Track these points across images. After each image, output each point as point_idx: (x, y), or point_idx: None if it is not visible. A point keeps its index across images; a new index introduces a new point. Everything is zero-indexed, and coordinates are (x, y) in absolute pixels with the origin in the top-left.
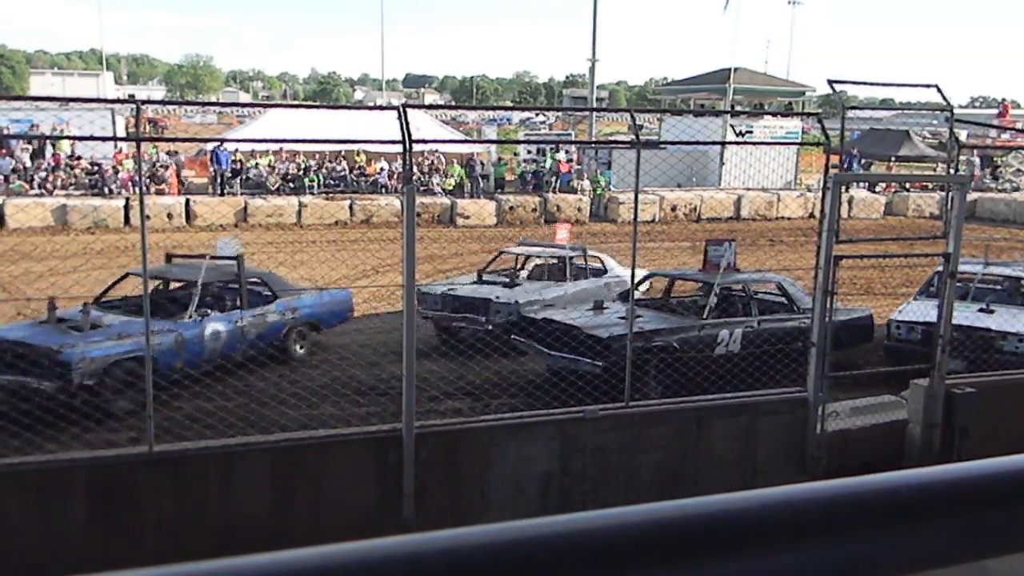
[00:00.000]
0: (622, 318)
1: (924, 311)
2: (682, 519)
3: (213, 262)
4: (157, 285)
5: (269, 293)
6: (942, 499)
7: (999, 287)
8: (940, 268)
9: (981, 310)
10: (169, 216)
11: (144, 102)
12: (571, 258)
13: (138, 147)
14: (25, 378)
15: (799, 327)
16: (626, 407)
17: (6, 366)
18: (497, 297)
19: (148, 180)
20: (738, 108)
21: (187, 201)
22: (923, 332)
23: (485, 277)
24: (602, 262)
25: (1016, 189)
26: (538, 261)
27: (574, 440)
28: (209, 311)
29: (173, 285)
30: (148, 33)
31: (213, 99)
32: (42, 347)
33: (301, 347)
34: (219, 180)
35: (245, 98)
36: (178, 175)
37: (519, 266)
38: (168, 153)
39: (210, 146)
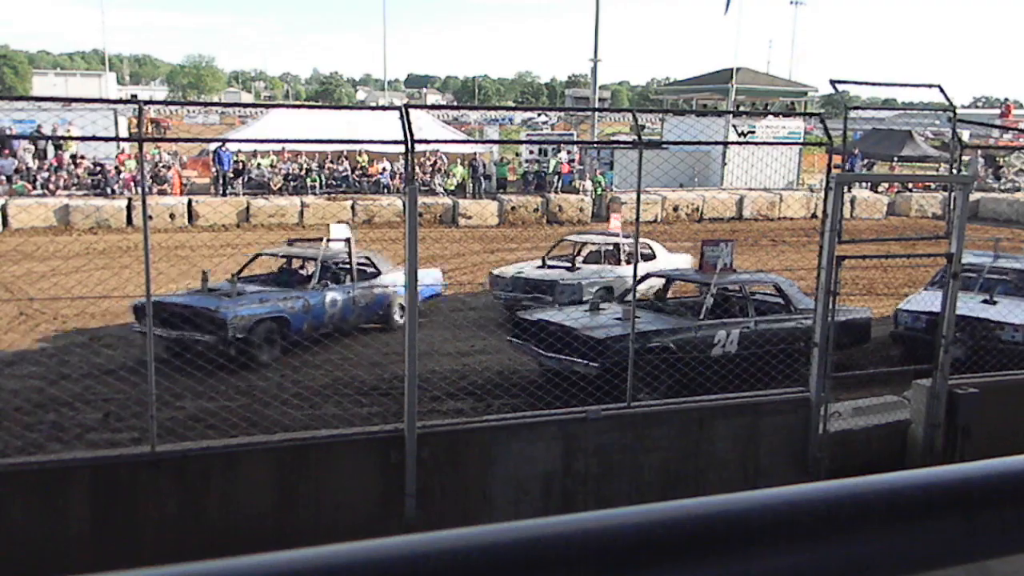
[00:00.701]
0: (618, 319)
1: (930, 301)
2: (685, 519)
3: (329, 243)
4: (282, 264)
5: (374, 270)
6: (944, 500)
7: (1006, 279)
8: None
9: (984, 301)
10: (171, 216)
11: (146, 102)
12: (623, 245)
13: (140, 147)
14: (191, 333)
15: (797, 327)
16: (628, 407)
17: (176, 324)
18: (562, 279)
19: (150, 180)
20: (741, 108)
21: (189, 201)
22: (927, 321)
23: (549, 262)
24: (651, 248)
25: (1018, 189)
26: (592, 248)
27: (576, 440)
28: (328, 283)
29: (295, 263)
30: (150, 33)
31: (215, 99)
32: (203, 308)
33: (401, 316)
34: (221, 180)
35: (247, 98)
36: (180, 175)
37: (576, 252)
38: (171, 153)
39: (212, 146)
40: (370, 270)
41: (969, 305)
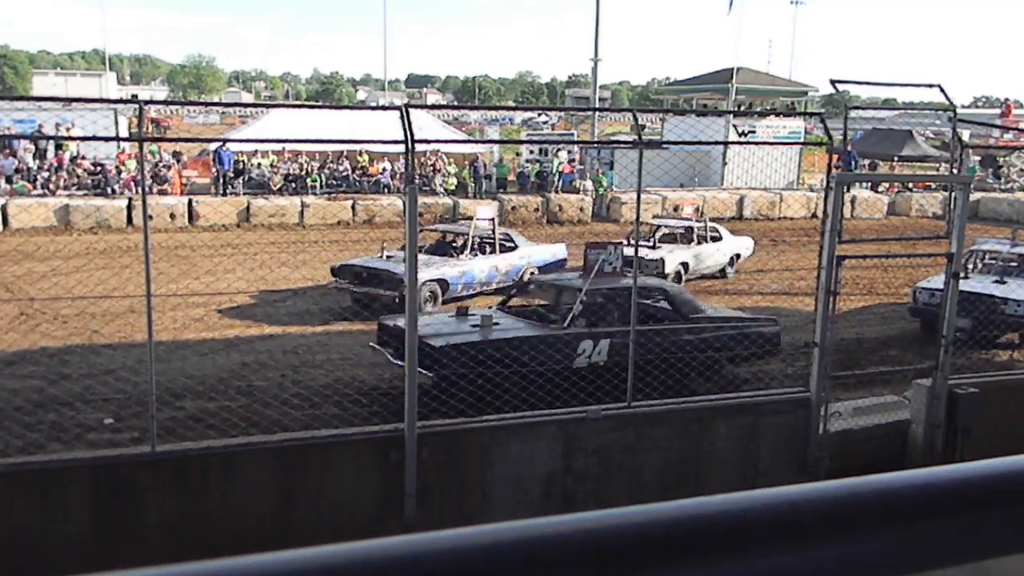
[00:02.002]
0: (475, 326)
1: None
2: (683, 519)
3: (477, 221)
4: (439, 238)
5: (512, 244)
6: (943, 500)
7: (1017, 264)
8: (975, 247)
9: (995, 281)
10: (172, 216)
11: (147, 102)
12: (695, 228)
13: (140, 147)
14: (374, 289)
15: (682, 338)
16: (628, 407)
17: (362, 281)
18: (646, 255)
19: (151, 180)
20: (741, 108)
21: (190, 201)
22: (942, 297)
23: (630, 241)
24: (719, 231)
25: (1021, 189)
26: (665, 230)
27: (576, 440)
28: (477, 253)
29: (449, 237)
30: (150, 33)
31: (216, 99)
32: (384, 270)
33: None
34: (222, 180)
35: (248, 98)
36: (180, 175)
37: (652, 233)
38: (171, 153)
39: (213, 146)
40: (509, 244)
41: (980, 284)
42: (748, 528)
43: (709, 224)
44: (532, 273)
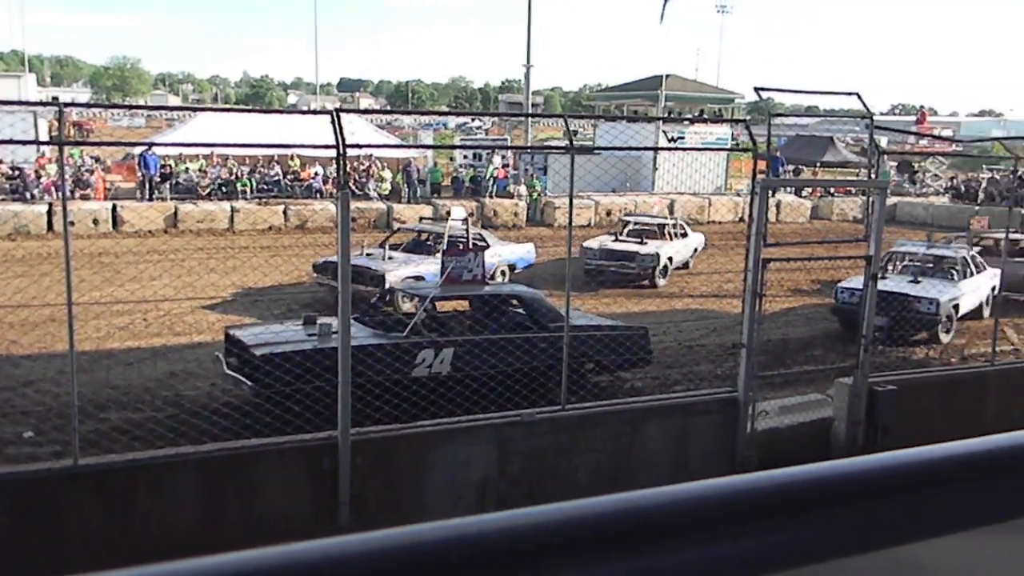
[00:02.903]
0: (311, 335)
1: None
2: (591, 518)
3: (451, 221)
4: (414, 237)
5: (485, 243)
6: (840, 491)
7: (931, 265)
8: (894, 249)
9: (909, 281)
10: (95, 222)
11: (68, 104)
12: (668, 224)
13: (60, 151)
14: (355, 285)
15: (536, 346)
16: (563, 410)
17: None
18: (640, 249)
19: (73, 185)
20: (671, 114)
21: (114, 206)
22: (860, 296)
23: (621, 237)
24: (684, 228)
25: (935, 193)
26: (633, 226)
27: (511, 443)
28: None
29: (423, 237)
30: (73, 34)
31: (141, 102)
32: (364, 267)
33: (505, 278)
34: (148, 185)
35: (174, 101)
36: (104, 180)
37: (621, 230)
38: (94, 157)
39: (138, 150)
40: (481, 243)
41: (896, 284)
42: (653, 525)
43: (678, 221)
44: (502, 269)
